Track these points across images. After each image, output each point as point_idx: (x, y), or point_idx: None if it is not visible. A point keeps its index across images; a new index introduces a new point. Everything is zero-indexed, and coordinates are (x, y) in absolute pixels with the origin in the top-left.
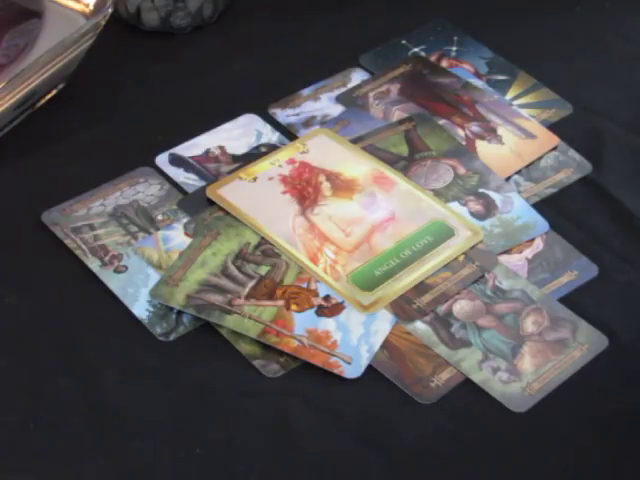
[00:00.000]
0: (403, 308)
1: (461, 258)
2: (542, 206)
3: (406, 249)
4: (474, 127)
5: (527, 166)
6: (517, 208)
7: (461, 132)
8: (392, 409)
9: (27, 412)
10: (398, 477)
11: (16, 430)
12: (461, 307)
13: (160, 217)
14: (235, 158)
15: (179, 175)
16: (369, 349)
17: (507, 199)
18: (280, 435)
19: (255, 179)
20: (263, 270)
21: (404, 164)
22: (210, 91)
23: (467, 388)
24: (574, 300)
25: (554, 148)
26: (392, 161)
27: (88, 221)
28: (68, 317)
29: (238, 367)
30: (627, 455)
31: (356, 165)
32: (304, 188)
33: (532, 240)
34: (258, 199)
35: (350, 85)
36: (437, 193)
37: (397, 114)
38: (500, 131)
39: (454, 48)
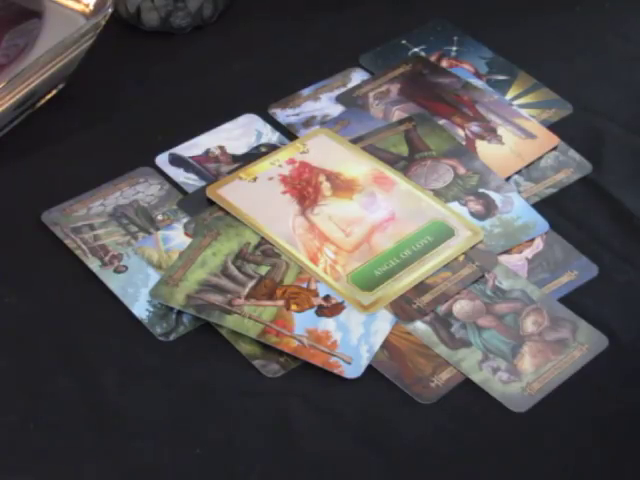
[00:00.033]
0: (403, 308)
1: (461, 258)
2: (542, 206)
3: (406, 249)
4: (474, 127)
5: (527, 166)
6: (517, 208)
7: (461, 132)
8: (392, 409)
9: (27, 412)
10: (398, 477)
11: (16, 430)
12: (461, 307)
13: (160, 217)
14: (235, 158)
15: (179, 175)
16: (369, 349)
17: (507, 199)
18: (280, 435)
19: (255, 179)
20: (263, 270)
21: (404, 164)
22: (210, 91)
23: (467, 388)
24: (574, 300)
25: (554, 148)
26: (392, 161)
27: (88, 221)
28: (68, 317)
29: (238, 367)
30: (627, 455)
31: (356, 165)
32: (304, 188)
33: (532, 240)
34: (258, 199)
35: (350, 85)
36: (437, 193)
37: (397, 114)
38: (500, 131)
39: (454, 48)
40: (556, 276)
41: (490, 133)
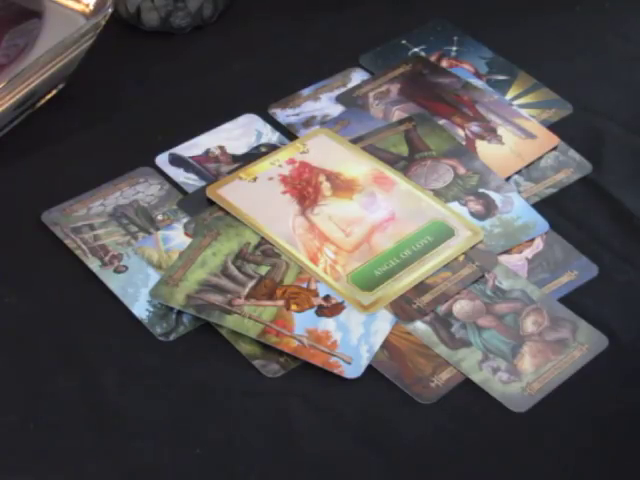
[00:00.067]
0: (403, 308)
1: (461, 258)
2: (542, 206)
3: (406, 249)
4: (474, 127)
5: (527, 166)
6: (517, 208)
7: (461, 132)
8: (392, 409)
9: (27, 412)
10: (398, 477)
11: (16, 430)
12: (461, 307)
13: (160, 217)
14: (235, 158)
15: (179, 175)
16: (369, 349)
17: (507, 199)
18: (280, 435)
19: (255, 179)
20: (263, 270)
21: (404, 164)
22: (210, 91)
23: (467, 388)
24: (574, 300)
25: (554, 148)
26: (392, 161)
27: (88, 221)
28: (68, 317)
29: (238, 367)
30: (627, 455)
31: (356, 165)
32: (304, 188)
33: (532, 240)
34: (258, 199)
35: (350, 85)
36: (437, 193)
37: (397, 114)
38: (500, 131)
39: (454, 48)
40: (556, 276)
41: (490, 133)
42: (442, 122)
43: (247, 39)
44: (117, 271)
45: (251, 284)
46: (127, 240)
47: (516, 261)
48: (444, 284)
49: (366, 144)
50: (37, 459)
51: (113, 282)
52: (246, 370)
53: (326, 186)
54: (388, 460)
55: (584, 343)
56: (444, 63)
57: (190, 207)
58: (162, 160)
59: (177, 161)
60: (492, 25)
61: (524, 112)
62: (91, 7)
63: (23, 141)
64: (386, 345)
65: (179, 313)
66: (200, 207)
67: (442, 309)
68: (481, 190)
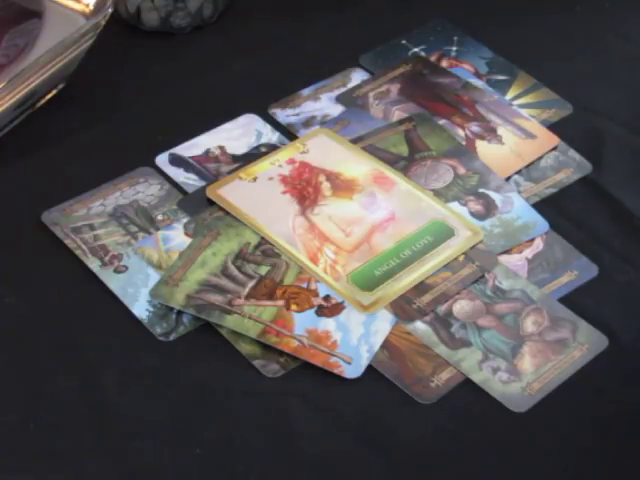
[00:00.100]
0: (403, 308)
1: (461, 258)
2: (542, 206)
3: (406, 249)
4: (474, 127)
5: (527, 166)
6: (517, 208)
7: (461, 132)
8: (392, 409)
9: (27, 412)
10: (398, 477)
11: (16, 430)
12: (461, 307)
13: (160, 217)
14: (235, 158)
15: (179, 175)
16: (369, 349)
17: (507, 199)
18: (280, 435)
19: (255, 179)
20: (263, 270)
21: (404, 164)
22: (210, 91)
23: (467, 388)
24: (574, 300)
25: (554, 148)
26: (392, 161)
27: (88, 221)
28: (68, 317)
29: (238, 367)
30: (627, 455)
31: (356, 165)
32: (304, 188)
33: (532, 240)
34: (258, 199)
35: (350, 85)
36: (437, 193)
37: (397, 114)
38: (500, 131)
39: (454, 48)
40: (556, 276)
41: (490, 133)
42: (442, 122)
43: (247, 39)
44: (117, 271)
45: (251, 284)
46: (127, 240)
47: (516, 261)
48: (444, 284)
49: (366, 144)
50: (37, 459)
51: (113, 282)
52: (246, 370)
53: (326, 186)
54: (388, 460)
55: (584, 343)
56: (444, 63)
57: (190, 207)
58: (162, 160)
59: (177, 161)
60: (492, 25)
61: (524, 112)
62: (91, 7)
63: (23, 141)
64: (386, 345)
65: (179, 313)
66: (200, 207)
67: (442, 309)
68: (481, 190)
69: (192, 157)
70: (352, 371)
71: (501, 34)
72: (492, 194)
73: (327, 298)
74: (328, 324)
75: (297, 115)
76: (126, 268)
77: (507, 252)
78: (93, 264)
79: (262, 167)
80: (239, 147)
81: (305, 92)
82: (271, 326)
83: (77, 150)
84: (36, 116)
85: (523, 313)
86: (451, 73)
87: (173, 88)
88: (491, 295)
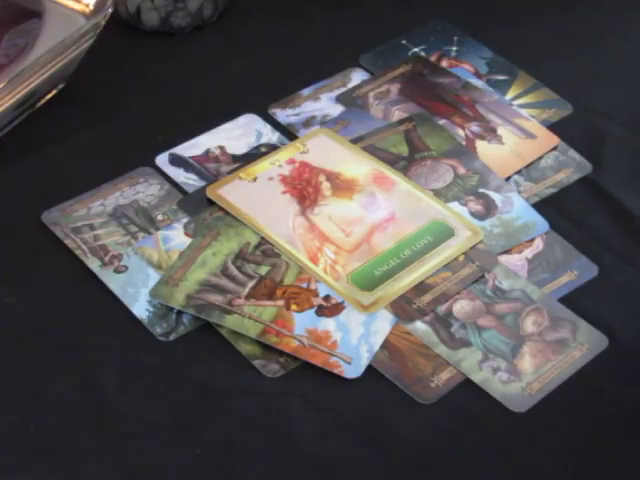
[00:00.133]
0: (403, 308)
1: (461, 258)
2: (542, 206)
3: (406, 249)
4: (474, 127)
5: (527, 166)
6: (517, 208)
7: (461, 132)
8: (392, 409)
9: (27, 412)
10: (398, 477)
11: (16, 430)
12: (461, 307)
13: (160, 217)
14: (235, 158)
15: (179, 175)
16: (369, 349)
17: (507, 199)
18: (280, 435)
19: (255, 179)
20: (263, 270)
21: (404, 164)
22: (210, 91)
23: (467, 388)
24: (574, 300)
25: (554, 148)
26: (392, 161)
27: (88, 221)
28: (68, 317)
29: (238, 367)
30: (627, 455)
31: (356, 165)
32: (304, 188)
33: (532, 240)
34: (258, 199)
35: (350, 85)
36: (437, 193)
37: (397, 114)
38: (500, 131)
39: (454, 48)
40: (556, 276)
41: (490, 133)
42: (442, 122)
43: (247, 39)
44: (117, 271)
45: (251, 284)
46: (127, 240)
47: (516, 261)
48: (444, 284)
49: (366, 144)
50: (37, 459)
51: (113, 282)
52: (246, 370)
53: (326, 186)
54: (388, 460)
55: (584, 343)
56: (444, 63)
57: (190, 207)
58: (162, 160)
59: (177, 161)
60: (492, 25)
61: (524, 112)
62: (91, 7)
63: (23, 141)
64: (386, 345)
65: (179, 313)
66: (200, 207)
67: (442, 309)
68: (481, 190)
69: (192, 157)
70: (352, 371)
71: (501, 34)
72: (492, 194)
73: (327, 298)
74: (328, 324)
75: (297, 115)
76: (126, 268)
77: (507, 252)
78: (93, 264)
79: (262, 167)
80: (239, 147)
81: (305, 92)
82: (271, 326)
83: (77, 150)
84: (36, 116)
85: (523, 313)
86: (451, 73)
87: (173, 88)
88: (491, 295)
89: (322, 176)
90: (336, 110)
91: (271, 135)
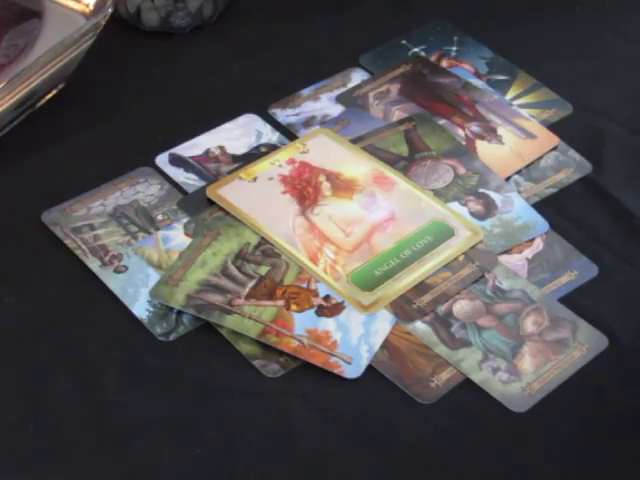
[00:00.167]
0: (403, 308)
1: (461, 258)
2: (542, 206)
3: (406, 249)
4: (474, 127)
5: (527, 166)
6: (517, 208)
7: (461, 132)
8: (392, 409)
9: (27, 412)
10: (398, 477)
11: (16, 430)
12: (461, 307)
13: (160, 217)
14: (235, 158)
15: (179, 175)
16: (369, 349)
17: (507, 199)
18: (280, 435)
19: (255, 179)
20: (263, 270)
21: (404, 164)
22: (210, 91)
23: (467, 388)
24: (574, 300)
25: (554, 148)
26: (392, 161)
27: (88, 221)
28: (68, 317)
29: (238, 367)
30: (627, 455)
31: (356, 165)
32: (304, 188)
33: (532, 240)
34: (258, 199)
35: (350, 85)
36: (437, 193)
37: (397, 114)
38: (500, 131)
39: (454, 48)
40: (556, 276)
41: (490, 133)
42: (442, 122)
43: (247, 39)
44: (117, 271)
45: (251, 284)
46: (127, 240)
47: (516, 261)
48: (444, 284)
49: (366, 144)
50: (37, 459)
51: (113, 282)
52: (246, 370)
53: (326, 186)
54: (388, 460)
55: (584, 343)
56: (444, 63)
57: (190, 207)
58: (162, 160)
59: (177, 161)
60: (492, 25)
61: (524, 112)
62: (91, 7)
63: (23, 141)
64: (386, 345)
65: (179, 313)
66: (200, 207)
67: (442, 309)
68: (481, 190)
69: (192, 157)
70: (352, 371)
71: (501, 34)
72: (492, 194)
73: (327, 298)
74: (328, 324)
75: (297, 115)
76: (126, 268)
77: (507, 252)
78: (93, 264)
79: (262, 167)
80: (239, 147)
81: (305, 92)
82: (271, 326)
83: (77, 150)
84: (36, 116)
85: (523, 313)
86: (451, 73)
87: (173, 88)
88: (491, 295)
89: (322, 176)
90: (336, 110)
91: (271, 135)
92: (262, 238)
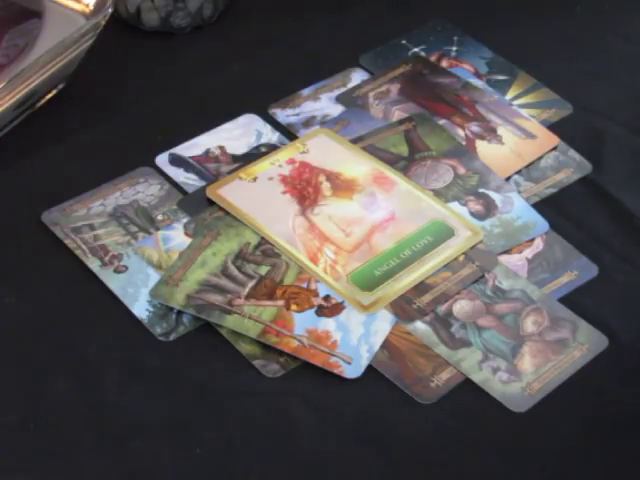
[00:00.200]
0: (403, 308)
1: (461, 258)
2: (542, 206)
3: (406, 249)
4: (474, 127)
5: (527, 166)
6: (517, 208)
7: (461, 132)
8: (392, 409)
9: (27, 412)
10: (398, 477)
11: (16, 430)
12: (461, 307)
13: (160, 217)
14: (235, 158)
15: (179, 175)
16: (369, 349)
17: (507, 199)
18: (280, 435)
19: (255, 179)
20: (263, 270)
21: (404, 164)
22: (210, 91)
23: (467, 388)
24: (574, 300)
25: (554, 148)
26: (392, 161)
27: (88, 221)
28: (68, 317)
29: (238, 367)
30: (627, 455)
31: (356, 165)
32: (304, 188)
33: (532, 240)
34: (258, 199)
35: (350, 85)
36: (437, 193)
37: (397, 114)
38: (500, 131)
39: (454, 48)
40: (556, 276)
41: (490, 133)
42: (442, 122)
43: (247, 39)
44: (117, 271)
45: (251, 284)
46: (127, 240)
47: (516, 261)
48: (444, 284)
49: (366, 144)
50: (37, 459)
51: (113, 282)
52: (246, 370)
53: (326, 186)
54: (388, 460)
55: (584, 343)
56: (444, 63)
57: (190, 207)
58: (162, 160)
59: (177, 161)
60: (492, 25)
61: (524, 112)
62: (91, 7)
63: (23, 141)
64: (386, 345)
65: (179, 313)
66: (200, 207)
67: (442, 309)
68: (481, 190)
69: (192, 157)
70: (352, 371)
71: (501, 34)
72: (492, 194)
73: (327, 298)
74: (328, 324)
75: (297, 115)
76: (126, 268)
77: (507, 252)
78: (93, 264)
79: (262, 167)
80: (239, 147)
81: (305, 92)
82: (271, 326)
83: (77, 150)
84: (36, 116)
85: (523, 313)
86: (451, 73)
87: (173, 88)
88: (491, 295)
89: (322, 176)
90: (336, 110)
91: (271, 135)
92: (262, 238)
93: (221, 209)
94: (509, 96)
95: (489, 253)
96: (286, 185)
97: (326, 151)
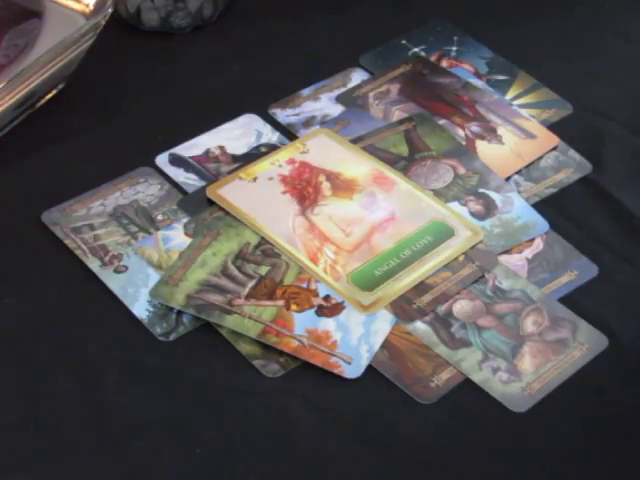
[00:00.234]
0: (403, 308)
1: (461, 258)
2: (542, 206)
3: (406, 249)
4: (474, 127)
5: (527, 166)
6: (517, 208)
7: (461, 132)
8: (392, 409)
9: (27, 412)
10: (398, 477)
11: (16, 430)
12: (461, 307)
13: (160, 217)
14: (235, 158)
15: (179, 175)
16: (369, 349)
17: (507, 199)
18: (280, 435)
19: (255, 179)
20: (263, 270)
21: (404, 164)
22: (210, 91)
23: (467, 388)
24: (574, 300)
25: (554, 148)
26: (392, 161)
27: (88, 221)
28: (68, 317)
29: (238, 367)
30: (627, 455)
31: (356, 165)
32: (304, 188)
33: (532, 240)
34: (258, 199)
35: (350, 85)
36: (437, 193)
37: (397, 114)
38: (500, 131)
39: (454, 48)
40: (556, 276)
41: (490, 133)
42: (442, 122)
43: (247, 39)
44: (117, 271)
45: (251, 284)
46: (127, 240)
47: (516, 261)
48: (444, 284)
49: (366, 144)
50: (37, 459)
51: (113, 282)
52: (246, 370)
53: (326, 186)
54: (388, 460)
55: (584, 343)
56: (444, 63)
57: (190, 207)
58: (162, 160)
59: (177, 161)
60: (492, 25)
61: (524, 112)
62: (91, 7)
63: (23, 141)
64: (386, 345)
65: (179, 313)
66: (200, 207)
67: (442, 309)
68: (481, 190)
69: (192, 157)
70: (352, 371)
71: (501, 34)
72: (492, 194)
73: (327, 298)
74: (328, 324)
75: (297, 115)
76: (126, 268)
77: (507, 252)
78: (93, 264)
79: (262, 167)
80: (239, 147)
81: (305, 92)
82: (271, 326)
83: (77, 150)
84: (36, 116)
85: (523, 313)
86: (451, 73)
87: (173, 88)
88: (491, 295)
89: (322, 176)
90: (336, 110)
91: (271, 135)
92: (262, 238)
93: (221, 209)
94: (509, 96)
95: (489, 253)
96: (286, 185)
97: (326, 151)
